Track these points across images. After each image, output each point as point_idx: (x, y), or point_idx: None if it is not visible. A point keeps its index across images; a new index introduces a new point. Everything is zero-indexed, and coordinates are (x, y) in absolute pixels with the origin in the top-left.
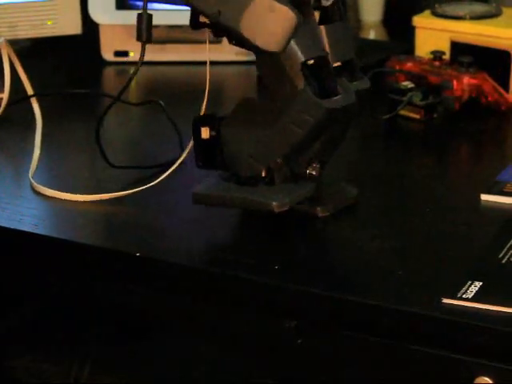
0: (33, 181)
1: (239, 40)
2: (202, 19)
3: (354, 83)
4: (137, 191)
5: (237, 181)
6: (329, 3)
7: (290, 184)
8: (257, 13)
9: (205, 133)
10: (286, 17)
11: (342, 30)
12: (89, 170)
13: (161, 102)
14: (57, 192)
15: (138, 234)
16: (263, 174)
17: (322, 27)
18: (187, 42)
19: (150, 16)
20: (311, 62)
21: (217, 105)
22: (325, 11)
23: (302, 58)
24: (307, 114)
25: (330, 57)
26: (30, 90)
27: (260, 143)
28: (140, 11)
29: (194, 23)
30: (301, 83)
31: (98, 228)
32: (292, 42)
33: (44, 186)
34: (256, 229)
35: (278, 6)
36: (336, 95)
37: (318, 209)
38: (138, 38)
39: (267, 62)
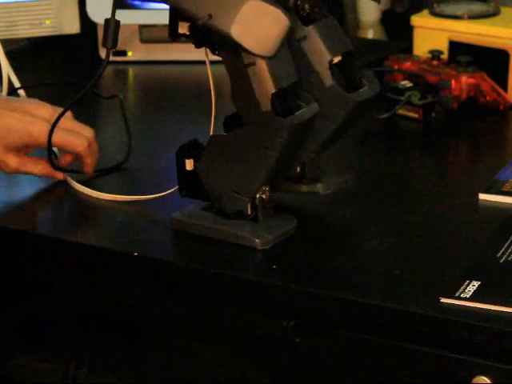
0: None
1: (226, 47)
2: (182, 30)
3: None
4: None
5: (219, 213)
6: (307, 10)
7: (273, 220)
8: (249, 16)
9: (189, 165)
10: (278, 21)
11: (330, 26)
12: None
13: (121, 97)
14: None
15: (134, 233)
16: (249, 212)
17: (311, 27)
18: (185, 41)
19: (118, 22)
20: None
21: (218, 104)
22: (307, 15)
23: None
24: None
25: (327, 52)
26: (16, 83)
27: (240, 175)
28: (139, 11)
29: (173, 32)
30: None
31: (96, 228)
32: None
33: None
34: None
35: (271, 9)
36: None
37: (319, 186)
38: (104, 45)
39: (240, 75)
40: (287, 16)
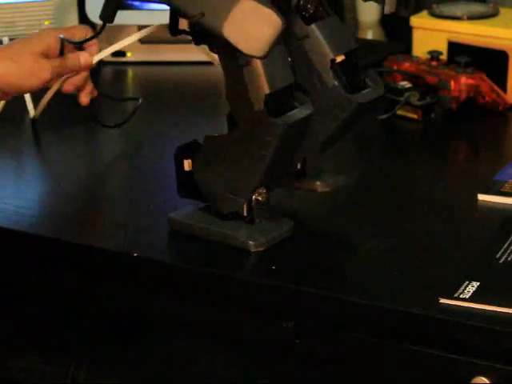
0: None
1: (221, 46)
2: (182, 26)
3: None
4: None
5: (216, 214)
6: (310, 11)
7: (269, 222)
8: (241, 16)
9: (187, 165)
10: (271, 22)
11: (334, 24)
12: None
13: (140, 100)
14: None
15: (132, 234)
16: (244, 213)
17: (313, 26)
18: (184, 42)
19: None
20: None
21: (216, 106)
22: (311, 14)
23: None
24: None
25: (330, 51)
26: None
27: (235, 176)
28: (138, 12)
29: (174, 29)
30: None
31: (94, 228)
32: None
33: None
34: None
35: (264, 9)
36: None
37: (318, 183)
38: (102, 18)
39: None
40: (280, 17)
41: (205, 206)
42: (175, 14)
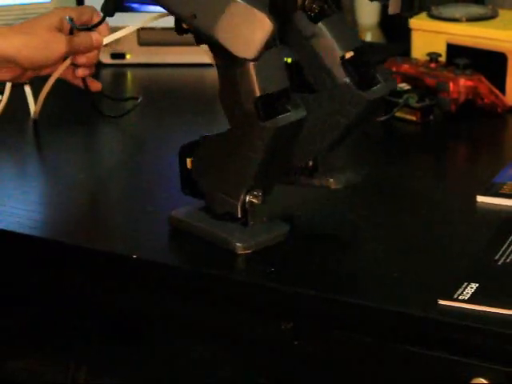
0: None
1: (215, 47)
2: (186, 25)
3: None
4: None
5: (213, 214)
6: (316, 10)
7: (263, 225)
8: (233, 18)
9: (190, 163)
10: (262, 24)
11: (340, 21)
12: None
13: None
14: None
15: (132, 235)
16: (239, 215)
17: (320, 24)
18: (183, 44)
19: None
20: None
21: (215, 107)
22: (318, 13)
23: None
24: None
25: (338, 48)
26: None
27: (228, 177)
28: (137, 14)
29: (178, 28)
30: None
31: (94, 230)
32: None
33: None
34: None
35: (255, 12)
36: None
37: (331, 181)
38: (103, 11)
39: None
40: (271, 20)
41: (205, 205)
42: None
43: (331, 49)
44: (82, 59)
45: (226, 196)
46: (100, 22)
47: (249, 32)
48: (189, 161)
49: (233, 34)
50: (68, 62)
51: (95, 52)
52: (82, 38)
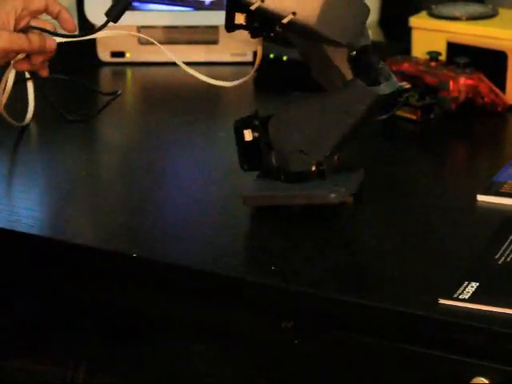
0: None
1: (301, 31)
2: (238, 21)
3: None
4: None
5: (286, 178)
6: None
7: (339, 175)
8: (332, 7)
9: (248, 135)
10: (362, 9)
11: None
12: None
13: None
14: None
15: (133, 235)
16: (313, 169)
17: None
18: (184, 42)
19: (129, 3)
20: (354, 53)
21: (214, 106)
22: None
23: (348, 49)
24: (360, 102)
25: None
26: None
27: (310, 137)
28: (137, 12)
29: (230, 25)
30: (350, 73)
31: (94, 229)
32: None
33: None
34: (252, 229)
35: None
36: (380, 83)
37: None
38: (108, 15)
39: (315, 55)
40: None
41: (258, 175)
42: (232, 10)
43: (339, 47)
44: (37, 59)
45: (304, 154)
46: (97, 30)
47: (350, 18)
48: (246, 132)
49: (333, 22)
50: (20, 57)
51: (48, 55)
52: (32, 38)
